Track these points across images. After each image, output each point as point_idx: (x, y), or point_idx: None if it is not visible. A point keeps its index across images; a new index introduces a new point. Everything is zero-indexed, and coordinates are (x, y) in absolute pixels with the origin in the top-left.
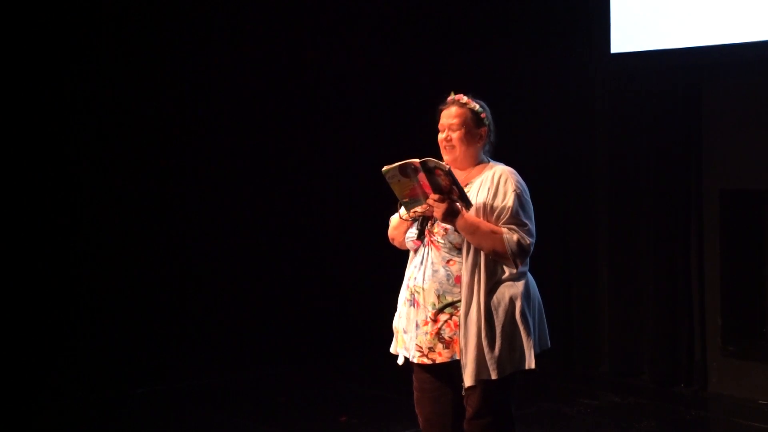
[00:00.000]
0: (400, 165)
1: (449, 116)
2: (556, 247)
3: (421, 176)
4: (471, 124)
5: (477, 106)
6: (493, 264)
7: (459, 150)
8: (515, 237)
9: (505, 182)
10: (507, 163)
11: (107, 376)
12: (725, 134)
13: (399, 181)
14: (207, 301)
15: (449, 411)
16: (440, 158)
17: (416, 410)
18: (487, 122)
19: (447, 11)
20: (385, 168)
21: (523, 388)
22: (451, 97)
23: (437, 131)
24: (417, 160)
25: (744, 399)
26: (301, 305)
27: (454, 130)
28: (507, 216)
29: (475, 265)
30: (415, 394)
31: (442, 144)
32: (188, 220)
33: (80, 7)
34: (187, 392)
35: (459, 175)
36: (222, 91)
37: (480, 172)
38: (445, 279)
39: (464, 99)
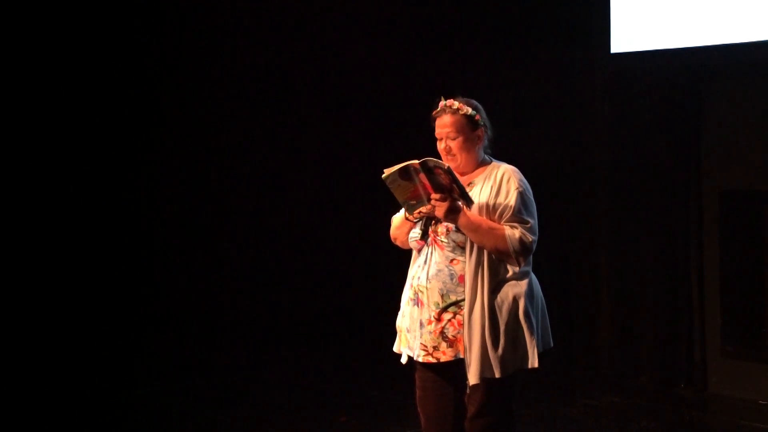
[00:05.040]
0: (400, 168)
1: (444, 125)
2: (556, 247)
3: (422, 176)
4: (468, 129)
5: (470, 110)
6: (497, 263)
7: (460, 157)
8: (517, 234)
9: (508, 181)
10: (507, 163)
11: (107, 376)
12: (725, 134)
13: (399, 185)
14: (207, 301)
15: (451, 410)
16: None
17: (418, 409)
18: (482, 123)
19: (448, 11)
20: (384, 174)
21: (523, 388)
22: (442, 103)
23: (435, 138)
24: (416, 161)
25: (744, 399)
26: (301, 305)
27: (452, 139)
28: (509, 214)
29: (479, 264)
30: (418, 392)
31: (442, 153)
32: (188, 220)
33: (85, 7)
34: (187, 392)
35: (462, 176)
36: (221, 92)
37: (482, 172)
38: (448, 278)
39: (456, 104)
